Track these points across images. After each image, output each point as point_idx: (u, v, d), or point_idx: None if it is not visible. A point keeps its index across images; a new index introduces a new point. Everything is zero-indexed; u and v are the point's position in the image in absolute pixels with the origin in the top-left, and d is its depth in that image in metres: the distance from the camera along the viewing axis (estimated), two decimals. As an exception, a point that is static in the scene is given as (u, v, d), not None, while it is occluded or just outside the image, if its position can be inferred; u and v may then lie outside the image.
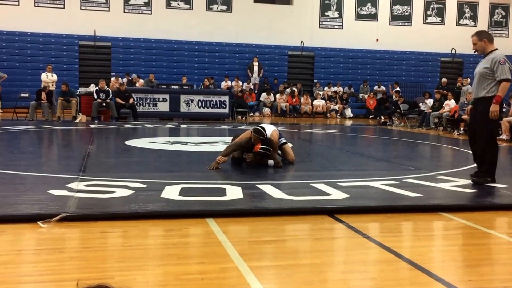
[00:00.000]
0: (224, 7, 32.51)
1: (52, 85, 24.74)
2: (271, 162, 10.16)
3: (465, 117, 20.66)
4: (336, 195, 7.48)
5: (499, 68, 8.36)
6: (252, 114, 29.11)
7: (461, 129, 20.89)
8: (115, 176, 8.54)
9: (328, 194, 7.51)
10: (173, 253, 5.03)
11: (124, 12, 31.29)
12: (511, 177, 10.41)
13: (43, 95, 22.69)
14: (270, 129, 10.37)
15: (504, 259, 5.35)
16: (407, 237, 6.22)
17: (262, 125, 10.53)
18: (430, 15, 35.42)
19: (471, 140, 9.09)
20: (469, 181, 8.90)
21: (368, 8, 34.48)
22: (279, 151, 10.65)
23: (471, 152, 9.16)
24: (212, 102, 25.25)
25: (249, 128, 10.71)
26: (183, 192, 7.36)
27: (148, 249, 5.24)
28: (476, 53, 8.98)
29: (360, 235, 5.83)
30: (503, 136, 18.29)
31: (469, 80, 25.02)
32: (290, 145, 11.27)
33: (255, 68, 31.58)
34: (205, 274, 4.48)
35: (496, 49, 8.72)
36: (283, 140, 10.78)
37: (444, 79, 29.57)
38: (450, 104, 23.00)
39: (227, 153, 9.94)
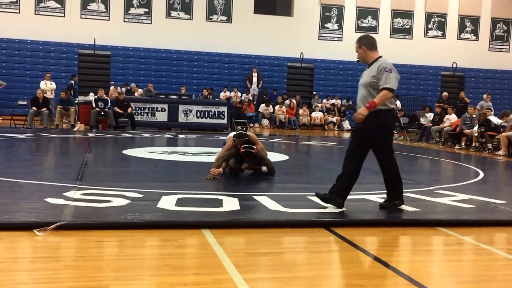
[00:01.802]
0: (224, 18, 32.59)
1: (51, 93, 24.74)
2: (264, 168, 10.30)
3: (467, 131, 20.73)
4: (333, 208, 7.46)
5: (384, 76, 7.45)
6: (252, 125, 29.09)
7: (463, 143, 20.93)
8: (112, 186, 8.53)
9: (325, 207, 7.50)
10: (168, 264, 5.03)
11: (124, 21, 31.36)
12: (510, 193, 10.43)
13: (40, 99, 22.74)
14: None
15: (501, 275, 5.34)
16: (404, 251, 6.22)
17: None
18: (431, 29, 35.51)
19: (347, 159, 8.08)
20: (468, 196, 8.90)
21: (368, 20, 34.56)
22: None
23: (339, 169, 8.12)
24: (210, 113, 25.26)
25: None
26: (179, 202, 7.36)
27: (143, 259, 5.24)
28: (359, 61, 8.04)
29: (357, 248, 5.82)
30: (501, 152, 18.33)
31: (490, 96, 24.95)
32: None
33: (254, 79, 31.62)
34: (200, 285, 4.49)
35: (381, 56, 7.81)
36: None
37: (445, 93, 29.59)
38: (450, 118, 23.02)
39: (218, 164, 10.03)
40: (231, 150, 10.34)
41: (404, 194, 8.87)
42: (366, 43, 7.80)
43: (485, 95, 26.31)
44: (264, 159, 10.50)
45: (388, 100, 7.50)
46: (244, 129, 10.71)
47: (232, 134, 10.94)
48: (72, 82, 27.39)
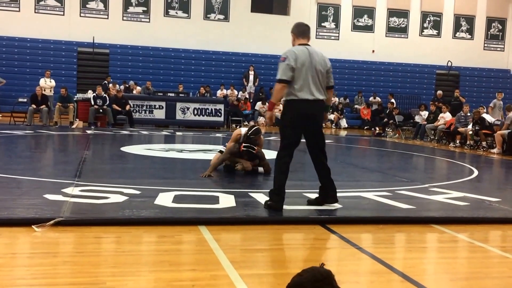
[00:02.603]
0: (222, 16, 32.61)
1: (50, 90, 24.78)
2: (261, 169, 10.29)
3: (461, 129, 20.79)
4: (328, 205, 7.48)
5: (278, 66, 7.26)
6: (246, 123, 29.09)
7: (457, 141, 21.00)
8: (110, 182, 8.58)
9: (321, 204, 7.52)
10: (165, 260, 5.06)
11: (123, 19, 31.40)
12: (504, 191, 10.48)
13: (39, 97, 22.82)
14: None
15: (495, 273, 5.37)
16: (399, 248, 6.24)
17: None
18: (426, 28, 35.58)
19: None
20: (462, 194, 8.91)
21: (364, 19, 34.62)
22: None
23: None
24: (207, 110, 25.28)
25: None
26: (176, 199, 7.39)
27: (140, 255, 5.28)
28: None
29: (352, 245, 5.84)
30: (495, 150, 18.38)
31: (503, 94, 24.97)
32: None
33: (251, 77, 31.64)
34: (196, 281, 4.52)
35: (300, 44, 7.42)
36: None
37: (439, 92, 29.58)
38: (445, 116, 23.06)
39: (216, 164, 10.01)
40: (231, 145, 10.32)
41: (398, 191, 8.92)
42: (295, 31, 7.59)
43: (497, 93, 26.39)
44: (263, 158, 10.50)
45: (292, 90, 7.18)
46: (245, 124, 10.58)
47: (243, 129, 10.83)
48: (106, 82, 27.72)
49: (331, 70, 7.50)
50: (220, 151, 10.79)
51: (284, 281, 4.61)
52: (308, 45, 7.46)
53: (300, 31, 7.55)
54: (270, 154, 13.11)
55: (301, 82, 7.17)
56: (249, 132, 10.29)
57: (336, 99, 32.35)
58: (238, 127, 26.30)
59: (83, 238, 5.67)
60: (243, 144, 10.06)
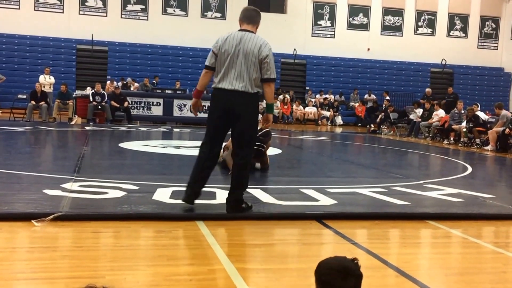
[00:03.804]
0: (219, 15, 32.64)
1: (50, 87, 24.83)
2: (257, 165, 10.29)
3: (455, 127, 20.87)
4: (325, 201, 7.54)
5: None
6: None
7: (451, 138, 21.09)
8: (108, 178, 8.62)
9: (317, 200, 7.58)
10: (163, 254, 5.11)
11: (121, 17, 31.44)
12: (497, 188, 10.55)
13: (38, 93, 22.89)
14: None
15: (489, 268, 5.42)
16: (394, 244, 6.29)
17: None
18: (421, 26, 35.61)
19: None
20: (456, 190, 8.96)
21: (360, 18, 34.65)
22: None
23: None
24: (204, 107, 25.20)
25: None
26: (174, 194, 7.43)
27: (138, 249, 5.32)
28: None
29: (347, 241, 5.89)
30: (489, 147, 18.45)
31: None
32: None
33: (248, 75, 31.62)
34: (193, 276, 4.56)
35: (240, 30, 7.12)
36: None
37: (428, 89, 29.42)
38: (438, 113, 23.13)
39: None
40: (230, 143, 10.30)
41: (393, 187, 8.97)
42: (240, 16, 7.14)
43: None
44: (265, 155, 10.49)
45: (214, 78, 6.99)
46: None
47: None
48: (154, 81, 28.29)
49: (268, 60, 6.87)
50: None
51: (280, 276, 4.69)
52: (250, 31, 7.05)
53: (245, 16, 7.11)
54: (270, 151, 13.19)
55: (222, 70, 6.82)
56: (259, 133, 10.16)
57: (332, 96, 32.40)
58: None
59: (82, 232, 5.71)
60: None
